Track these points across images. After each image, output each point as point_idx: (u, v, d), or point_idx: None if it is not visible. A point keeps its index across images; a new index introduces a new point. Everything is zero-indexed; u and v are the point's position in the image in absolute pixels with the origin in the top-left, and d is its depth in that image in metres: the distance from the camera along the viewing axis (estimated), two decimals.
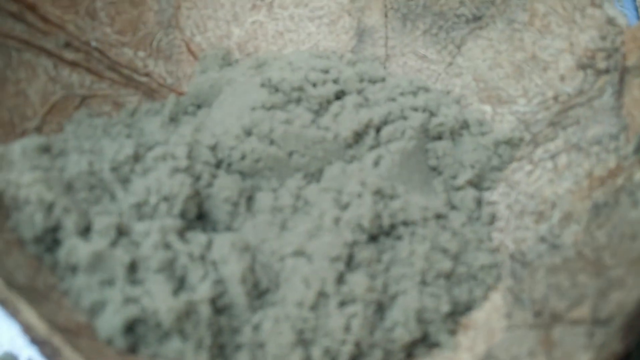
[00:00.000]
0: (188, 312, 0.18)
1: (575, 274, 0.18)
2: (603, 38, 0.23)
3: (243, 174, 0.24)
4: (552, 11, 0.25)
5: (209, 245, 0.21)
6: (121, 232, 0.20)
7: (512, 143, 0.25)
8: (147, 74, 0.29)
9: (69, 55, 0.26)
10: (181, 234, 0.21)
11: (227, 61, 0.30)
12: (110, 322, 0.18)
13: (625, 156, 0.20)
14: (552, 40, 0.25)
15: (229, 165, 0.24)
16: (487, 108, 0.26)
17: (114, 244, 0.19)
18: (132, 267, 0.19)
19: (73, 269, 0.19)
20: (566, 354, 0.16)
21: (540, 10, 0.25)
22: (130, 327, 0.18)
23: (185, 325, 0.18)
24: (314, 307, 0.20)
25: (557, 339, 0.17)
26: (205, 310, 0.18)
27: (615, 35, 0.22)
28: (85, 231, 0.20)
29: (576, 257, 0.18)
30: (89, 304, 0.18)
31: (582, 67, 0.23)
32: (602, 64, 0.22)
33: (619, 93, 0.21)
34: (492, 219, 0.23)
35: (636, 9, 0.41)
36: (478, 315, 0.20)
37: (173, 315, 0.18)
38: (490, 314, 0.20)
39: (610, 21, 0.23)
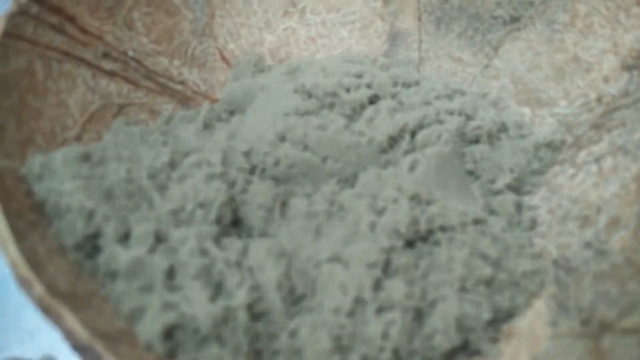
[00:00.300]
0: (225, 318, 0.18)
1: (625, 281, 0.17)
2: None
3: (277, 180, 0.24)
4: (594, 11, 0.24)
5: (244, 251, 0.21)
6: (159, 238, 0.20)
7: (553, 146, 0.24)
8: (181, 82, 0.29)
9: (107, 65, 0.27)
10: (217, 240, 0.21)
11: (259, 68, 0.30)
12: (149, 328, 0.18)
13: None
14: (595, 40, 0.24)
15: (263, 171, 0.24)
16: (526, 110, 0.26)
17: (152, 250, 0.20)
18: (170, 273, 0.19)
19: (113, 275, 0.19)
20: None
21: (582, 10, 0.24)
22: (169, 333, 0.18)
23: (222, 331, 0.18)
24: (351, 314, 0.19)
25: (607, 349, 0.16)
26: (242, 316, 0.18)
27: None
28: (125, 238, 0.20)
29: (625, 263, 0.18)
30: (128, 310, 0.18)
31: (627, 68, 0.22)
32: None
33: None
34: (533, 224, 0.23)
35: None
36: (521, 323, 0.19)
37: (211, 321, 0.18)
38: (534, 322, 0.19)
39: None
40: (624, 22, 0.23)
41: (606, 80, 0.23)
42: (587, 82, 0.24)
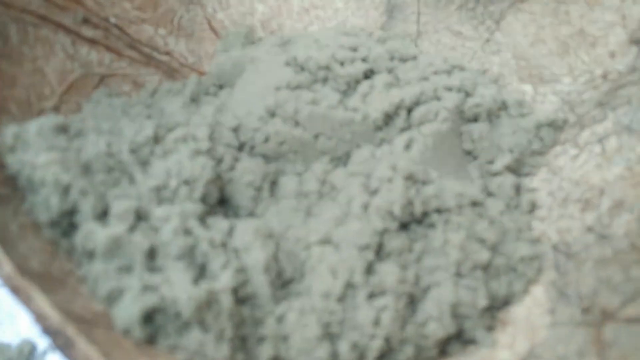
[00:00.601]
0: (209, 302, 0.17)
1: (629, 267, 0.16)
2: None
3: (267, 157, 0.23)
4: None
5: (230, 231, 0.20)
6: (140, 216, 0.19)
7: (555, 125, 0.23)
8: (167, 53, 0.28)
9: (88, 32, 0.25)
10: (202, 219, 0.20)
11: (250, 39, 0.29)
12: (128, 311, 0.17)
13: None
14: (602, 13, 0.23)
15: (252, 147, 0.23)
16: (528, 88, 0.24)
17: (132, 228, 0.18)
18: (151, 254, 0.18)
19: (90, 255, 0.18)
20: (623, 355, 0.14)
21: None
22: (149, 317, 0.17)
23: (205, 315, 0.17)
24: (341, 299, 0.18)
25: (610, 338, 0.15)
26: (226, 300, 0.18)
27: None
28: (103, 215, 0.19)
29: (629, 248, 0.17)
30: (106, 292, 0.17)
31: (635, 42, 0.21)
32: None
33: None
34: (533, 207, 0.22)
35: None
36: (518, 311, 0.19)
37: (193, 304, 0.17)
38: (531, 310, 0.18)
39: None
40: None
41: (612, 55, 0.22)
42: (592, 58, 0.23)
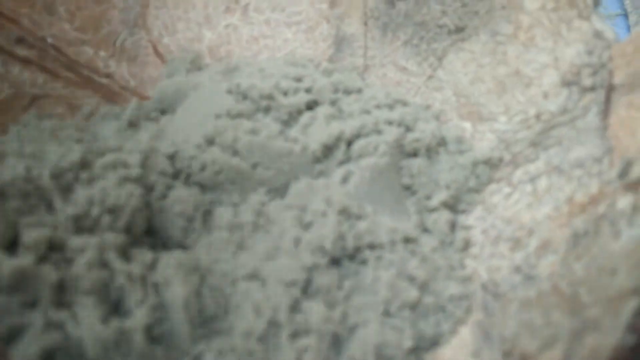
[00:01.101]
0: (118, 342, 0.16)
1: (550, 311, 0.16)
2: (589, 53, 0.21)
3: (203, 187, 0.22)
4: (537, 23, 0.23)
5: (153, 264, 0.19)
6: (53, 247, 0.18)
7: (491, 163, 0.23)
8: (108, 75, 0.27)
9: (21, 51, 0.25)
10: (123, 251, 0.19)
11: (196, 65, 0.29)
12: (26, 350, 0.16)
13: (608, 181, 0.18)
14: (537, 54, 0.23)
15: (188, 176, 0.22)
16: (467, 125, 0.25)
17: (42, 260, 0.17)
18: (60, 288, 0.17)
19: None
20: None
21: (525, 22, 0.24)
22: (50, 357, 0.16)
23: (113, 356, 0.16)
24: (262, 338, 0.18)
25: None
26: (138, 340, 0.17)
27: (602, 50, 0.21)
28: (12, 245, 0.18)
29: (551, 291, 0.17)
30: (5, 329, 0.16)
31: (567, 83, 0.22)
32: (587, 81, 0.21)
33: (605, 113, 0.20)
34: (467, 244, 0.22)
35: (629, 29, 0.40)
36: (444, 352, 0.18)
37: (99, 345, 0.16)
38: (457, 351, 0.18)
39: (598, 35, 0.21)
40: (566, 35, 0.22)
41: (545, 96, 0.22)
42: (527, 98, 0.23)
